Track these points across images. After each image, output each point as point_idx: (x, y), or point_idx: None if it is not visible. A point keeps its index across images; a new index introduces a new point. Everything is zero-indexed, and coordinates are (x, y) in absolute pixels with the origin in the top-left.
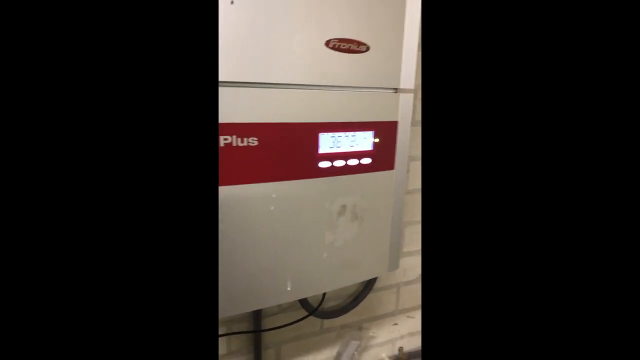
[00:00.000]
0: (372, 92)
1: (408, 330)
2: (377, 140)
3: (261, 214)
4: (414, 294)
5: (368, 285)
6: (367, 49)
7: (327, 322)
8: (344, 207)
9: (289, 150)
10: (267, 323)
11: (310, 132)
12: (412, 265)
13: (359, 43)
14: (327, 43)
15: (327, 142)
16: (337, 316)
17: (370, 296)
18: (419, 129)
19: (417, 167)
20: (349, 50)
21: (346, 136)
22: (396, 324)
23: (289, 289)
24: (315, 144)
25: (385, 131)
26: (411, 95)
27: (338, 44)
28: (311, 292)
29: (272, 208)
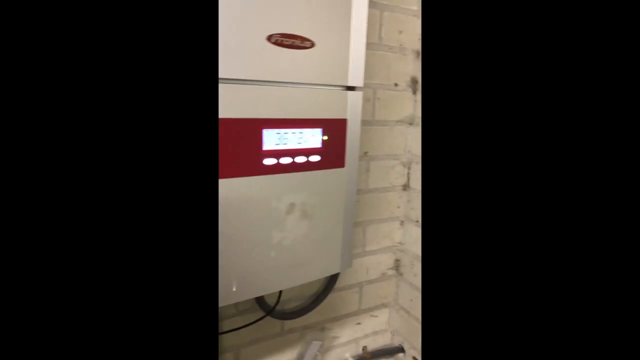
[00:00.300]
0: (319, 89)
1: (372, 329)
2: (325, 137)
3: None
4: (377, 292)
5: (329, 285)
6: (312, 45)
7: (289, 324)
8: (292, 205)
9: (230, 147)
10: (224, 325)
11: (253, 128)
12: (374, 264)
13: (303, 39)
14: (269, 38)
15: (272, 139)
16: (298, 317)
17: (332, 296)
18: (370, 128)
19: (377, 166)
20: (292, 46)
21: (293, 133)
22: (359, 324)
23: (234, 289)
24: (259, 140)
25: (334, 129)
26: (360, 93)
27: (281, 39)
28: (262, 291)
29: None
